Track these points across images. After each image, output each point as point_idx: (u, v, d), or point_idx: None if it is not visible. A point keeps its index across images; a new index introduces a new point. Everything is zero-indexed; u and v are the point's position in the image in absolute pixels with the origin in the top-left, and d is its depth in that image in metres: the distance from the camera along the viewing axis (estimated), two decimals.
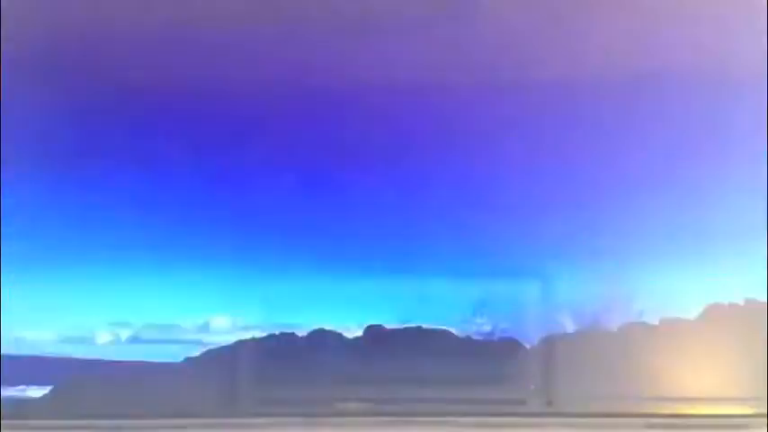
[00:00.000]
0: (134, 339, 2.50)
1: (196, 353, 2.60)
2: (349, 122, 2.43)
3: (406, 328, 3.18)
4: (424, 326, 3.18)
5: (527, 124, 2.43)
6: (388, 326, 3.34)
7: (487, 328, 2.60)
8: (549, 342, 2.68)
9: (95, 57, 2.34)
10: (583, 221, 2.42)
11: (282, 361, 2.69)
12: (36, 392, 2.57)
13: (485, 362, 2.88)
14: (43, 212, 2.38)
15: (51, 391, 2.48)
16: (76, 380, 2.59)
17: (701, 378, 2.43)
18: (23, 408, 2.30)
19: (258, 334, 2.61)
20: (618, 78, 2.33)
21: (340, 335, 3.31)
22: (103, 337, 2.52)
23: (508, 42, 2.36)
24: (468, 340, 3.25)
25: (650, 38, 2.36)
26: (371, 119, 2.43)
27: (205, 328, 2.51)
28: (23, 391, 2.48)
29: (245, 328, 2.50)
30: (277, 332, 3.08)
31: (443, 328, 3.29)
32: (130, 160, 2.42)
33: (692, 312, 2.68)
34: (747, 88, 2.33)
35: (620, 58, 2.33)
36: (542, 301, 2.43)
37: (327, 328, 2.96)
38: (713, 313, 2.64)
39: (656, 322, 2.80)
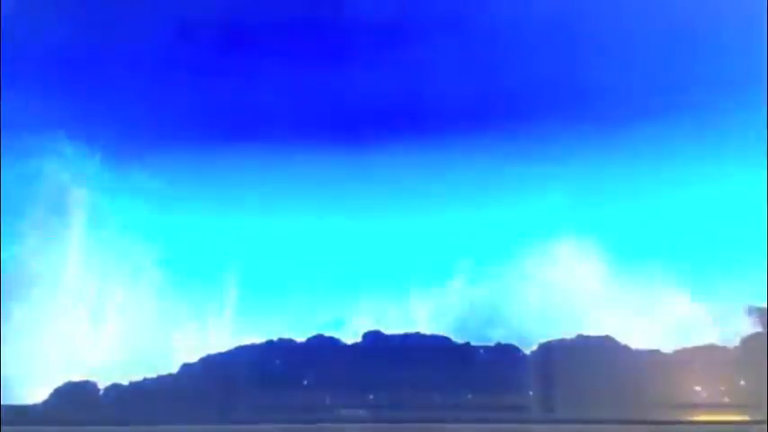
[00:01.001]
0: None
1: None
2: None
3: (406, 334, 3.18)
4: (423, 332, 3.16)
5: None
6: (388, 332, 3.31)
7: None
8: (550, 350, 2.68)
9: None
10: None
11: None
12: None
13: (486, 369, 2.87)
14: None
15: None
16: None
17: (702, 385, 2.44)
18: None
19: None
20: None
21: (339, 341, 3.28)
22: None
23: None
24: (467, 346, 3.24)
25: None
26: None
27: None
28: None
29: None
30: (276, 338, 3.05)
31: (444, 334, 3.29)
32: None
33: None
34: None
35: None
36: None
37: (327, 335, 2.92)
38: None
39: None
